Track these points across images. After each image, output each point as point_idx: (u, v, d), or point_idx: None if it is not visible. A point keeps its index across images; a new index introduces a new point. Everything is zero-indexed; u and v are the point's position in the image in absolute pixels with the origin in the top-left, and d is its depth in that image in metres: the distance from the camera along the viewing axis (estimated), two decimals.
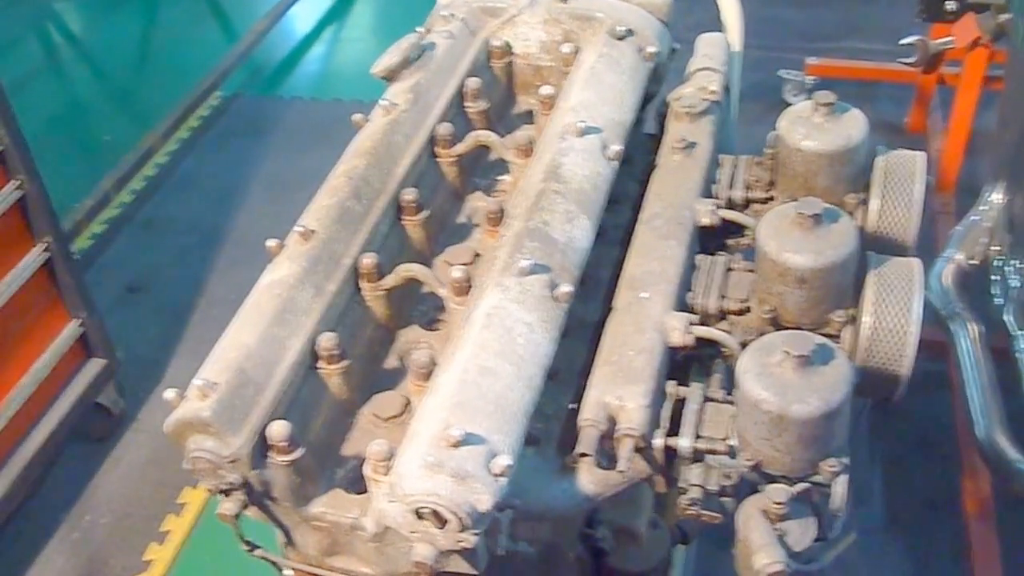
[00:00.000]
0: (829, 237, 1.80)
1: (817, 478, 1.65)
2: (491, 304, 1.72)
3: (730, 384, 1.75)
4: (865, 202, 2.06)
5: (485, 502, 1.48)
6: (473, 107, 2.33)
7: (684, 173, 2.15)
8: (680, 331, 1.81)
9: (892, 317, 1.82)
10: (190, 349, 4.21)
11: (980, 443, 2.97)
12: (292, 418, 1.66)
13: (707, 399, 1.76)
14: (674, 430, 1.71)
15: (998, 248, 3.25)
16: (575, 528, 2.05)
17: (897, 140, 4.73)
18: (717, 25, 2.76)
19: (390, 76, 2.27)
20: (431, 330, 2.00)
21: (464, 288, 1.84)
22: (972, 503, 3.27)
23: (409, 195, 2.06)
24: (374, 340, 1.95)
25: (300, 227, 1.90)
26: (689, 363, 1.93)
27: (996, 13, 3.77)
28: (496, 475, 1.49)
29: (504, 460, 1.50)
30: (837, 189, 2.05)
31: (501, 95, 2.50)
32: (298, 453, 1.63)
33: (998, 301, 3.15)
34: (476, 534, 1.50)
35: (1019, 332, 3.02)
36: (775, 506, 1.61)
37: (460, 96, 2.33)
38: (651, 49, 2.37)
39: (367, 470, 1.58)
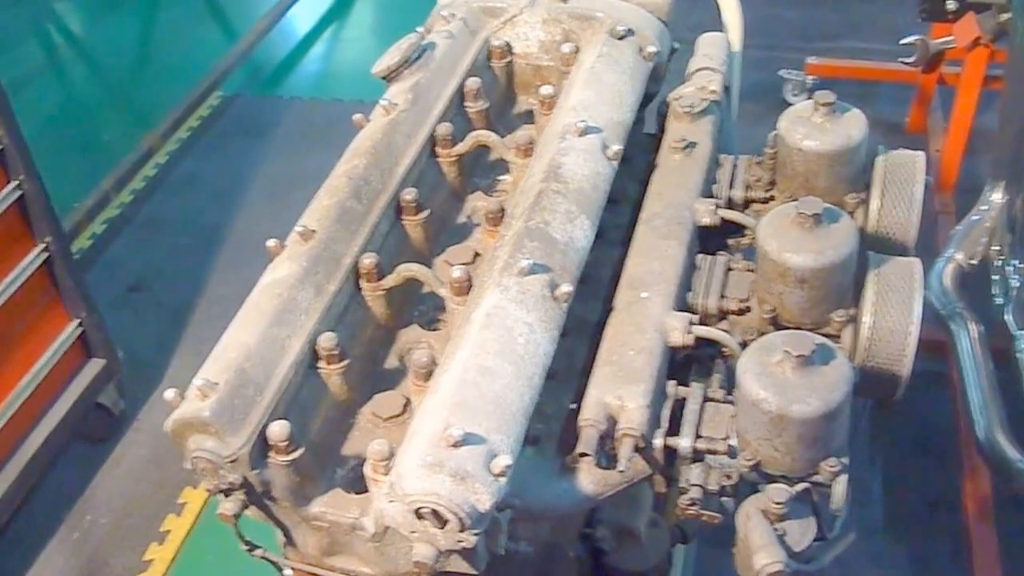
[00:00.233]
0: (829, 237, 1.80)
1: (817, 478, 1.65)
2: (491, 304, 1.72)
3: (730, 384, 1.75)
4: (865, 202, 2.06)
5: (485, 502, 1.47)
6: (473, 107, 2.33)
7: (684, 173, 2.15)
8: (680, 331, 1.81)
9: (892, 317, 1.82)
10: (190, 349, 4.21)
11: (980, 443, 2.97)
12: (292, 418, 1.66)
13: (707, 399, 1.77)
14: (674, 430, 1.71)
15: (998, 248, 3.25)
16: (575, 528, 2.05)
17: (897, 140, 4.75)
18: (718, 25, 2.76)
19: (390, 76, 2.27)
20: (431, 330, 1.99)
21: (464, 288, 1.83)
22: (972, 503, 3.27)
23: (409, 195, 2.06)
24: (374, 340, 1.95)
25: (300, 227, 1.90)
26: (689, 363, 1.93)
27: (997, 13, 3.78)
28: (496, 475, 1.49)
29: (504, 460, 1.50)
30: (837, 189, 2.05)
31: (501, 95, 2.49)
32: (298, 453, 1.63)
33: (998, 301, 3.15)
34: (476, 534, 1.50)
35: (1019, 332, 3.02)
36: (775, 506, 1.61)
37: (460, 96, 2.33)
38: (651, 49, 2.36)
39: (367, 470, 1.58)
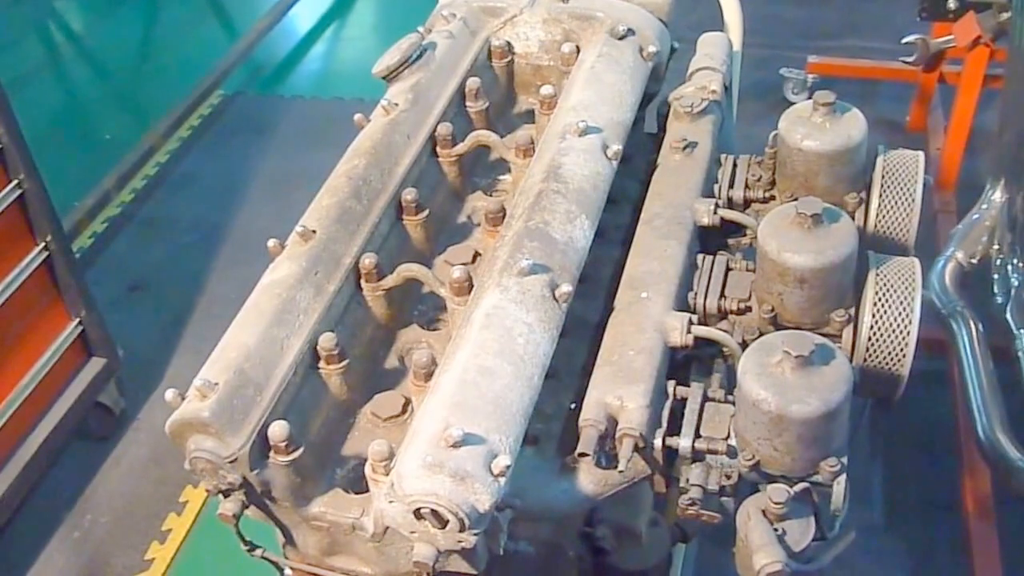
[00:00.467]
0: (829, 237, 1.80)
1: (817, 478, 1.65)
2: (491, 304, 1.72)
3: (730, 384, 1.75)
4: (865, 202, 2.06)
5: (485, 502, 1.48)
6: (473, 107, 2.33)
7: (684, 173, 2.15)
8: (680, 331, 1.81)
9: (892, 317, 1.82)
10: (191, 348, 4.21)
11: (980, 441, 2.97)
12: (292, 418, 1.66)
13: (707, 399, 1.76)
14: (674, 430, 1.71)
15: (999, 246, 3.25)
16: (575, 527, 2.06)
17: (898, 138, 4.76)
18: (718, 24, 2.76)
19: (390, 76, 2.27)
20: (431, 330, 2.00)
21: (464, 288, 1.83)
22: (972, 501, 3.27)
23: (409, 195, 2.06)
24: (374, 340, 1.95)
25: (300, 227, 1.90)
26: (689, 363, 1.93)
27: (997, 12, 3.78)
28: (496, 475, 1.49)
29: (504, 460, 1.50)
30: (837, 189, 2.05)
31: (501, 95, 2.50)
32: (298, 453, 1.63)
33: (999, 299, 3.15)
34: (476, 534, 1.50)
35: (1020, 330, 3.02)
36: (775, 506, 1.61)
37: (460, 96, 2.33)
38: (651, 49, 2.36)
39: (367, 470, 1.58)
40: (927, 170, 2.07)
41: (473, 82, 2.32)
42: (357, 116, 2.21)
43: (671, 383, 1.77)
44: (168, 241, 4.89)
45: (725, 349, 1.87)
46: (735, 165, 2.23)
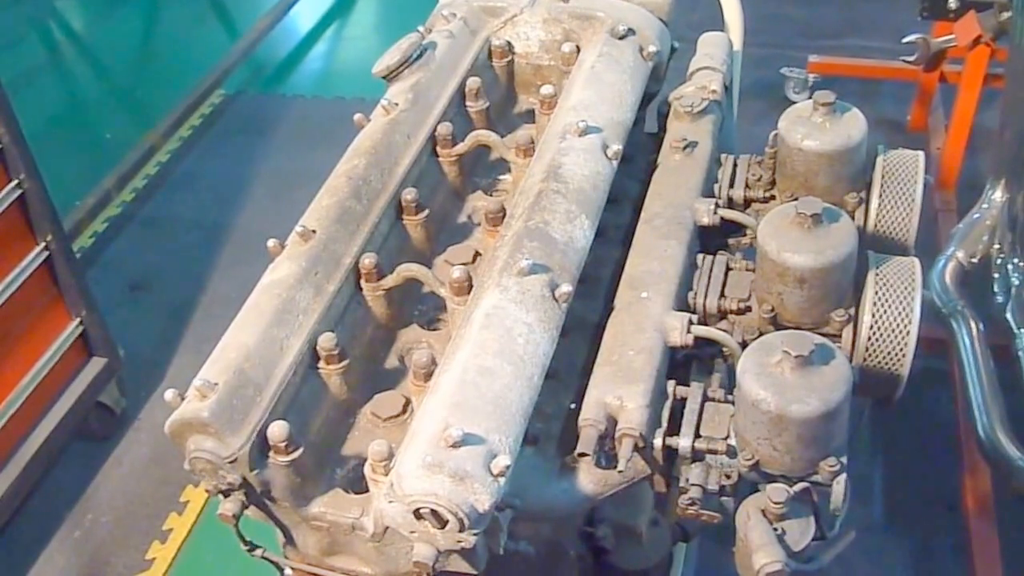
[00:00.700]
0: (829, 237, 1.80)
1: (816, 478, 1.65)
2: (491, 304, 1.72)
3: (730, 384, 1.75)
4: (865, 202, 2.06)
5: (484, 502, 1.48)
6: (474, 106, 2.33)
7: (685, 172, 2.15)
8: (680, 331, 1.81)
9: (892, 317, 1.82)
10: (192, 347, 4.21)
11: (981, 440, 2.97)
12: (292, 418, 1.67)
13: (707, 399, 1.77)
14: (674, 430, 1.71)
15: (999, 246, 3.25)
16: (575, 527, 2.06)
17: (899, 138, 4.76)
18: (718, 24, 2.76)
19: (390, 76, 2.27)
20: (431, 330, 2.00)
21: (464, 288, 1.84)
22: (973, 500, 3.27)
23: (409, 195, 2.06)
24: (374, 340, 1.95)
25: (300, 227, 1.90)
26: (689, 362, 1.94)
27: (997, 11, 3.78)
28: (495, 475, 1.49)
29: (503, 460, 1.50)
30: (837, 189, 2.05)
31: (502, 94, 2.50)
32: (298, 453, 1.63)
33: (999, 299, 3.15)
34: (476, 534, 1.50)
35: (1020, 330, 3.02)
36: (774, 505, 1.61)
37: (461, 95, 2.33)
38: (651, 48, 2.36)
39: (367, 470, 1.58)
40: (928, 169, 2.07)
41: (473, 82, 2.32)
42: (357, 116, 2.21)
43: (671, 383, 1.77)
44: (169, 241, 4.89)
45: (725, 349, 1.87)
46: (735, 165, 2.23)
